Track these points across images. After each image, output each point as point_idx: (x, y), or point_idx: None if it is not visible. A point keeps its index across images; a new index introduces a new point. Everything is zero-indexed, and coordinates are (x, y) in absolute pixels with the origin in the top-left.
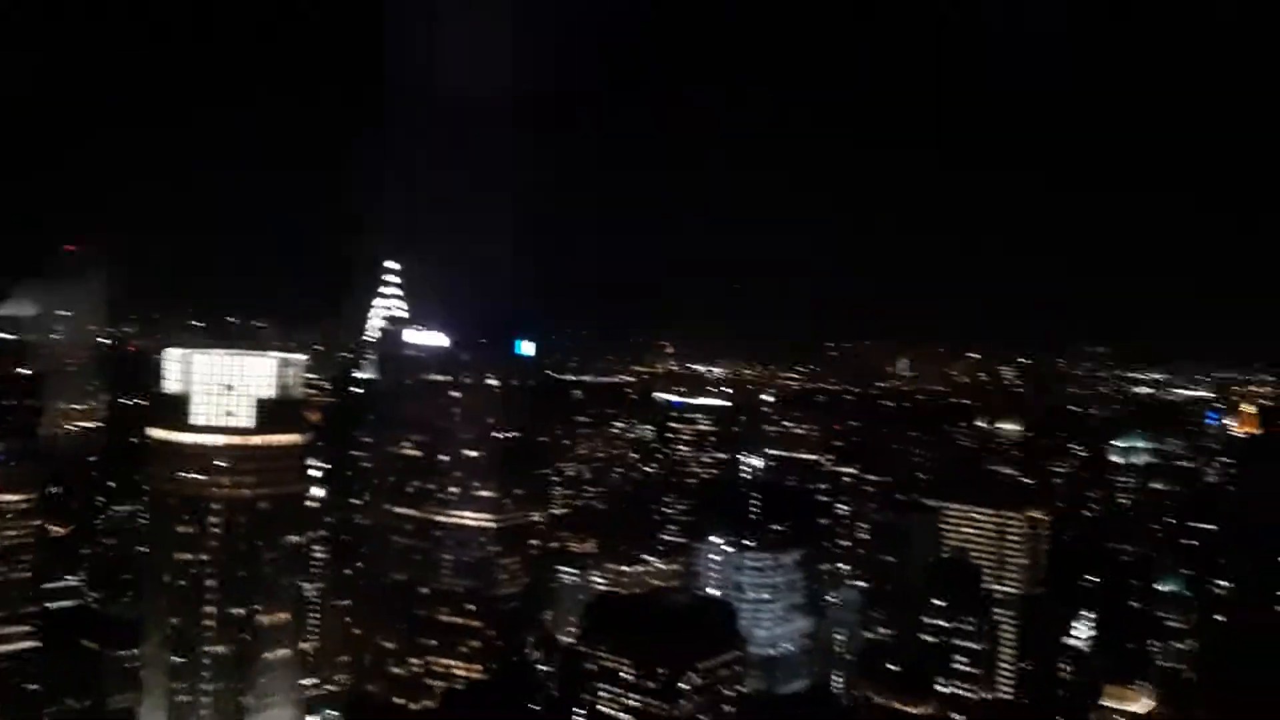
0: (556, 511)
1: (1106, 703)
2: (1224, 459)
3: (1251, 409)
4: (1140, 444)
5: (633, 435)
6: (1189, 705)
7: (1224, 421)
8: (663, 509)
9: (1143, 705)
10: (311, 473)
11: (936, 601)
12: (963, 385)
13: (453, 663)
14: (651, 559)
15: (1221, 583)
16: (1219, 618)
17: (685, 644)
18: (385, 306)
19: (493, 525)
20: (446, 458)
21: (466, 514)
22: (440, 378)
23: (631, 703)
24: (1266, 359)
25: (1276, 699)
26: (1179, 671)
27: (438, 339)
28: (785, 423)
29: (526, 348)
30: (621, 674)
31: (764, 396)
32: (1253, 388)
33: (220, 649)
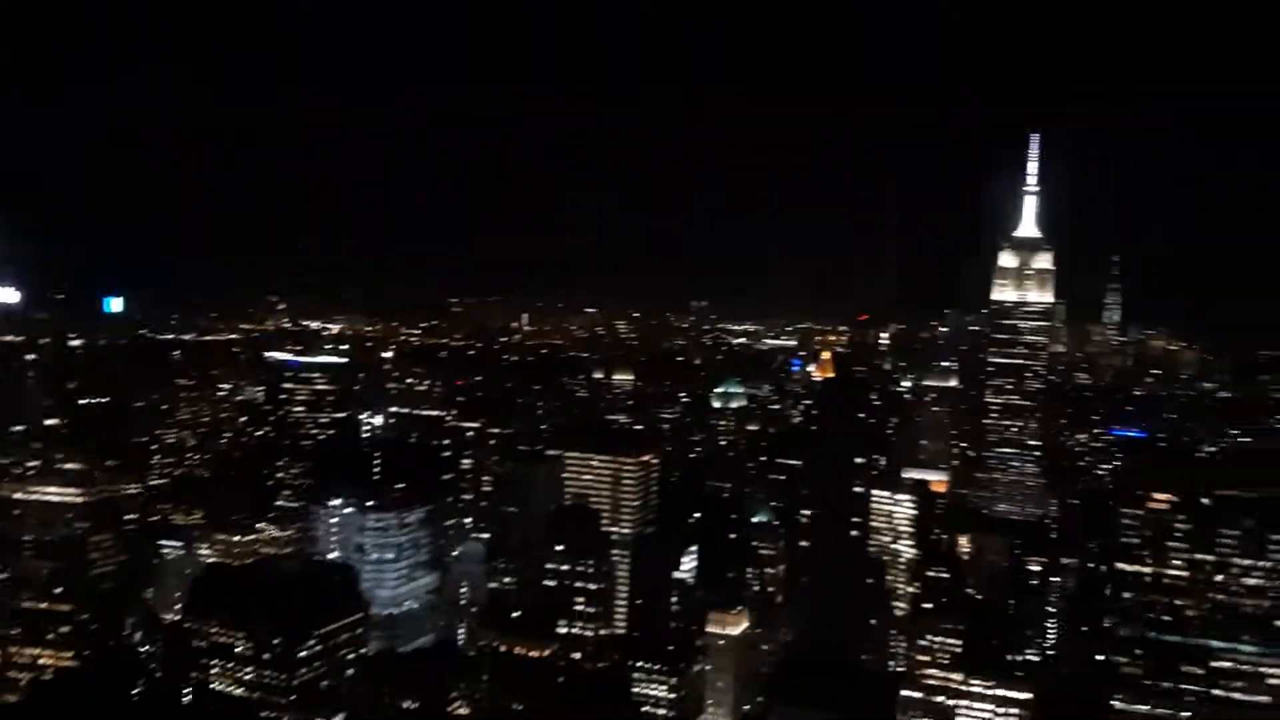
0: (155, 482)
1: (711, 629)
2: (806, 401)
3: (828, 355)
4: (736, 389)
5: (241, 397)
6: (778, 624)
7: (807, 368)
8: (277, 474)
9: (740, 628)
10: None
11: (557, 547)
12: (581, 339)
13: (39, 652)
14: (265, 526)
15: (805, 512)
16: (803, 543)
17: (302, 611)
18: None
19: (80, 500)
20: (20, 428)
21: (49, 489)
22: (9, 338)
23: (246, 675)
24: (841, 312)
25: (849, 610)
26: (771, 594)
27: (5, 295)
28: (407, 379)
29: (115, 304)
30: (236, 648)
31: (384, 354)
32: (830, 337)
33: None
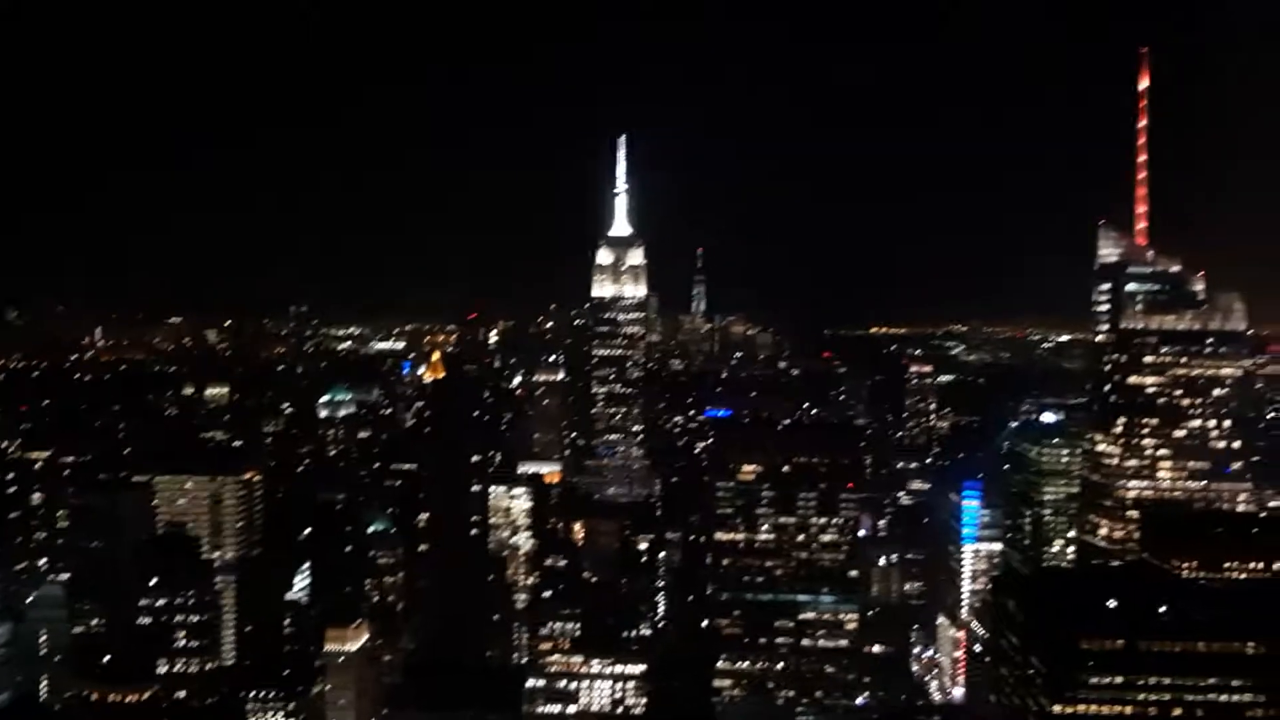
0: None
1: (330, 646)
2: (419, 403)
3: (438, 356)
4: (344, 396)
5: None
6: (400, 632)
7: (417, 370)
8: None
9: (360, 642)
10: None
11: (151, 581)
12: (166, 352)
13: None
14: None
15: (423, 515)
16: (423, 548)
17: None
18: None
19: None
20: None
21: None
22: None
23: None
24: (450, 312)
25: (472, 609)
26: (392, 603)
27: None
28: None
29: None
30: None
31: None
32: (440, 337)
33: None
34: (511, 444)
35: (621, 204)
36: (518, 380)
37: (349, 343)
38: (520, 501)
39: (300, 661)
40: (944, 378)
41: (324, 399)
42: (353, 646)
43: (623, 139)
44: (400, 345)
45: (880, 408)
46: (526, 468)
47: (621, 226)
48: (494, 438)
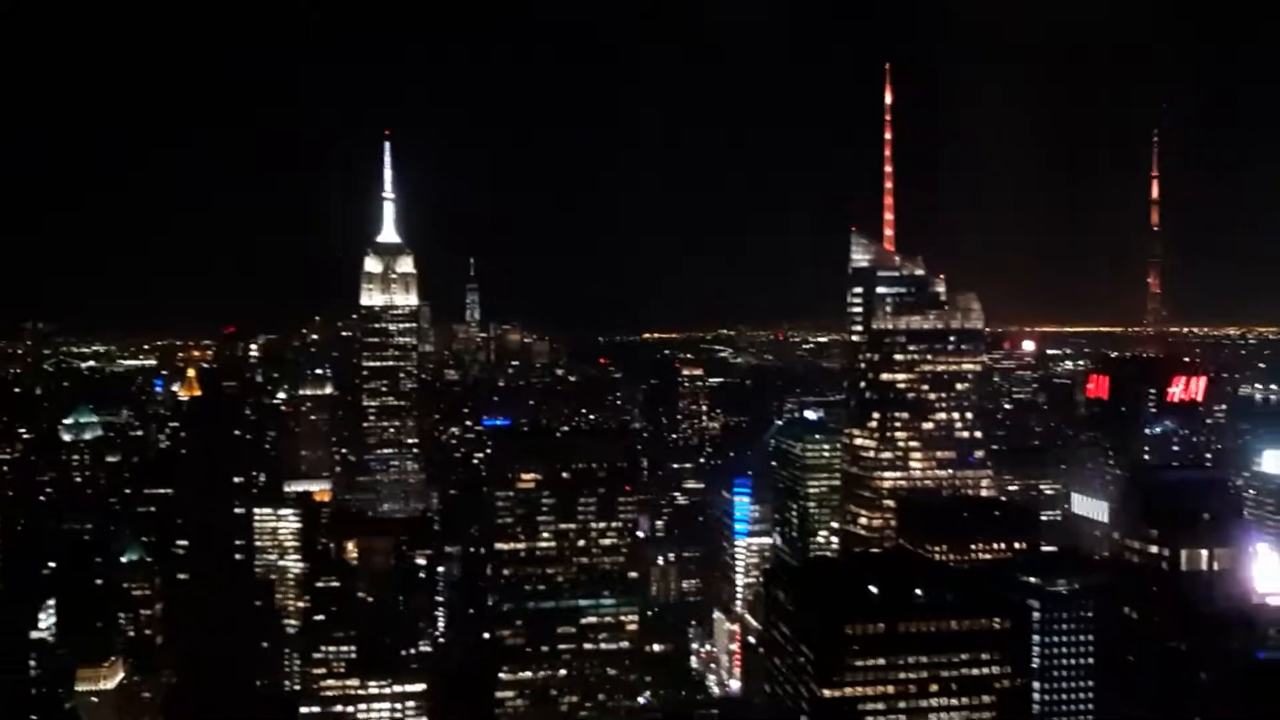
0: None
1: (81, 687)
2: (174, 423)
3: (194, 373)
4: (89, 419)
5: None
6: (160, 667)
7: (171, 388)
8: None
9: (115, 680)
10: None
11: None
12: None
13: None
14: None
15: (182, 542)
16: (182, 576)
17: None
18: None
19: None
20: None
21: None
22: None
23: None
24: (206, 325)
25: (238, 637)
26: (149, 637)
27: None
28: None
29: None
30: None
31: None
32: (195, 352)
33: None
34: (277, 463)
35: (390, 210)
36: (282, 396)
37: (94, 361)
38: (288, 522)
39: (48, 705)
40: (714, 380)
41: (67, 421)
42: (108, 685)
43: (388, 144)
44: (152, 362)
45: (655, 411)
46: (294, 487)
47: (390, 233)
48: (257, 457)
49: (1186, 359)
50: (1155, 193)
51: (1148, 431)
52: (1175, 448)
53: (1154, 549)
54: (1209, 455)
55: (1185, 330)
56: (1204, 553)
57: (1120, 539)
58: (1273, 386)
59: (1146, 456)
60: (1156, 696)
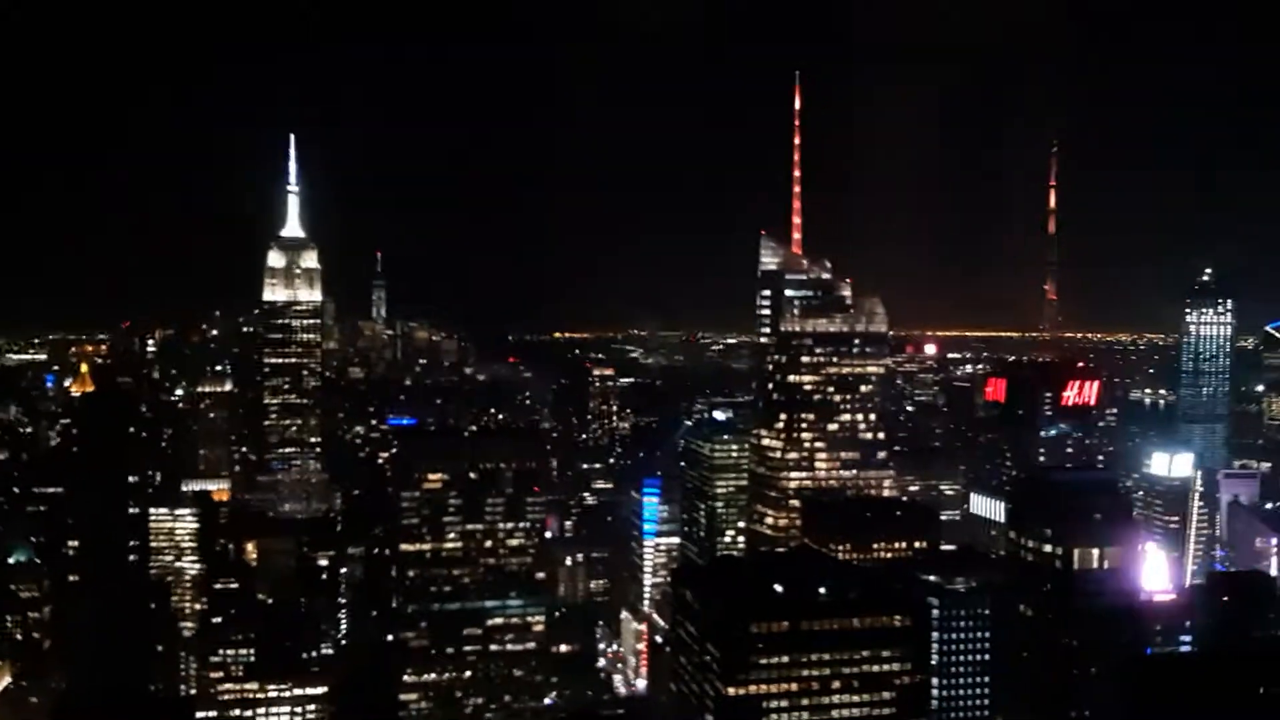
0: None
1: None
2: (65, 420)
3: (86, 368)
4: None
5: None
6: (48, 671)
7: (63, 384)
8: None
9: (1, 684)
10: None
11: None
12: None
13: None
14: None
15: (73, 543)
16: (73, 578)
17: None
18: None
19: None
20: None
21: None
22: None
23: None
24: (103, 320)
25: (132, 641)
26: (38, 641)
27: None
28: None
29: None
30: None
31: None
32: (89, 347)
33: None
34: (174, 461)
35: (294, 204)
36: (180, 392)
37: None
38: (185, 522)
39: None
40: (625, 380)
41: None
42: None
43: (292, 137)
44: (42, 357)
45: (565, 411)
46: (192, 486)
47: (294, 228)
48: (153, 455)
49: (1080, 364)
50: (1053, 201)
51: (1043, 434)
52: (1069, 450)
53: (1048, 548)
54: (1101, 457)
55: (1080, 335)
56: (1095, 551)
57: (1016, 538)
58: (1162, 391)
59: (1041, 458)
60: (1049, 691)
